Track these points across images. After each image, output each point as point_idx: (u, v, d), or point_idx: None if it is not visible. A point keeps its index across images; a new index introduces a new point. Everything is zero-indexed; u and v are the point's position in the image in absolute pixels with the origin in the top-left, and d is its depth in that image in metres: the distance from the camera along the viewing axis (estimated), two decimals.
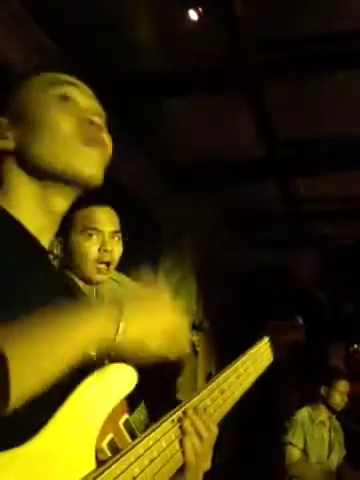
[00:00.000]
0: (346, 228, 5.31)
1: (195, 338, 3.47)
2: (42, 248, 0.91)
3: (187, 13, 2.54)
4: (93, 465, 0.75)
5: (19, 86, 0.95)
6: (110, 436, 0.80)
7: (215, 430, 0.98)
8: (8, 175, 0.92)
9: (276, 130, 3.59)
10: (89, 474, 0.73)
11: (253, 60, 2.94)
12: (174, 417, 0.91)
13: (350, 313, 5.74)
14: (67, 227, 1.62)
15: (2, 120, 0.92)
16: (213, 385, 1.05)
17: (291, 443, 3.57)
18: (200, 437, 0.93)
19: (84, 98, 0.96)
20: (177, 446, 0.89)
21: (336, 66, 2.97)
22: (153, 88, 3.19)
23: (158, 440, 0.84)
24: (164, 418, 0.89)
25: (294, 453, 3.57)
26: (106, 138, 0.94)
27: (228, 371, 1.11)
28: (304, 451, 3.59)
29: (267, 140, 3.71)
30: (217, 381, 1.06)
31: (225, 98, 3.30)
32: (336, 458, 3.69)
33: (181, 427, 0.91)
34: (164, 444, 0.85)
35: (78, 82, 0.97)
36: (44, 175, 0.91)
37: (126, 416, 0.85)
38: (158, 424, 0.87)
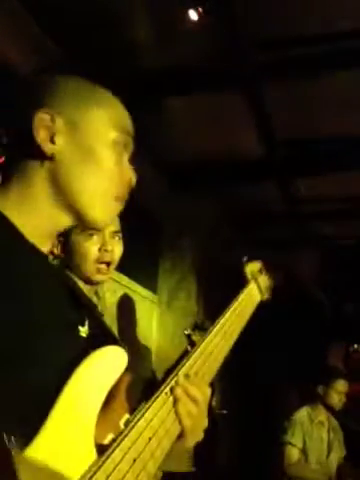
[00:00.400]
0: (346, 228, 5.31)
1: (196, 338, 3.46)
2: (41, 254, 0.90)
3: (187, 13, 2.54)
4: (94, 455, 0.75)
5: (86, 96, 0.92)
6: (111, 436, 0.80)
7: (208, 391, 0.99)
8: (31, 180, 0.89)
9: (276, 130, 3.59)
10: (92, 465, 0.73)
11: (253, 60, 2.94)
12: (167, 390, 0.92)
13: (350, 313, 5.74)
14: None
15: (58, 120, 0.88)
16: (201, 348, 1.06)
17: (290, 443, 3.57)
18: (194, 401, 0.94)
19: (128, 154, 0.97)
20: (173, 416, 0.91)
21: (336, 66, 2.97)
22: (153, 88, 3.19)
23: (155, 415, 0.85)
24: (158, 392, 0.90)
25: (293, 453, 3.57)
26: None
27: (214, 330, 1.13)
28: (303, 451, 3.59)
29: (267, 140, 3.71)
30: (204, 343, 1.07)
31: (225, 98, 3.30)
32: (335, 458, 3.69)
33: (174, 396, 0.92)
34: (159, 419, 0.86)
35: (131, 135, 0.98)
36: (67, 202, 0.89)
37: (127, 416, 0.85)
38: (153, 399, 0.88)
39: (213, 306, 4.98)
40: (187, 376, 0.97)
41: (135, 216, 1.80)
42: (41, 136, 0.87)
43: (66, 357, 0.79)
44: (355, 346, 5.86)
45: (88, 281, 1.68)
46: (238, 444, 5.01)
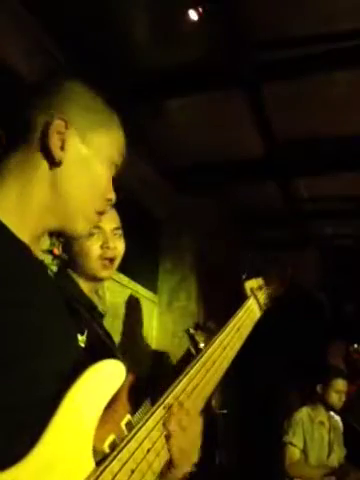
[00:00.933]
0: (346, 228, 5.31)
1: (199, 338, 3.45)
2: (37, 260, 0.91)
3: (187, 13, 2.54)
4: (92, 465, 0.75)
5: (98, 112, 0.97)
6: (112, 437, 0.80)
7: (199, 421, 0.98)
8: (32, 181, 0.90)
9: (276, 130, 3.59)
10: (90, 476, 0.73)
11: (253, 60, 2.94)
12: (157, 414, 0.90)
13: (350, 313, 5.73)
14: None
15: (71, 128, 0.91)
16: (200, 362, 1.06)
17: (291, 443, 3.57)
18: (183, 430, 0.92)
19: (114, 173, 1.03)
20: (162, 443, 0.89)
21: (336, 66, 2.97)
22: (153, 88, 3.19)
23: (144, 439, 0.84)
24: (147, 416, 0.88)
25: (294, 453, 3.57)
26: None
27: (214, 345, 1.13)
28: (304, 451, 3.58)
29: (267, 140, 3.71)
30: (204, 357, 1.07)
31: (225, 98, 3.30)
32: (336, 458, 3.69)
33: (167, 428, 0.90)
34: (148, 446, 0.85)
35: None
36: (59, 207, 0.92)
37: (128, 417, 0.85)
38: (143, 423, 0.86)
39: (213, 306, 4.99)
40: (181, 403, 0.94)
41: (135, 216, 1.80)
42: (54, 142, 0.89)
43: (66, 367, 0.80)
44: (355, 346, 5.85)
45: (94, 278, 1.68)
46: (238, 444, 5.01)
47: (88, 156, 0.94)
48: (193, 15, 2.54)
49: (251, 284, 1.46)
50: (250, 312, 1.35)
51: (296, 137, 3.74)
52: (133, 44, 2.84)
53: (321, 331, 5.41)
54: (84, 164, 0.93)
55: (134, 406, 0.86)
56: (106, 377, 0.81)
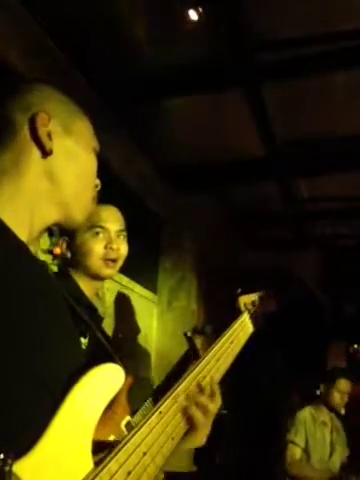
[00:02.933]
0: (346, 228, 5.31)
1: (198, 342, 3.44)
2: (39, 261, 0.92)
3: (187, 13, 2.54)
4: (91, 466, 0.76)
5: (74, 107, 1.01)
6: (112, 438, 0.80)
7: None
8: (25, 174, 0.92)
9: (276, 130, 3.59)
10: (88, 475, 0.74)
11: (253, 60, 2.94)
12: (152, 420, 0.91)
13: (350, 313, 5.74)
14: None
15: (53, 122, 0.95)
16: (193, 374, 1.07)
17: (293, 442, 3.57)
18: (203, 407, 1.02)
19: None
20: (171, 430, 0.93)
21: (336, 66, 2.96)
22: (153, 88, 3.19)
23: (150, 432, 0.87)
24: (142, 422, 0.89)
25: (295, 452, 3.56)
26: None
27: (207, 357, 1.15)
28: (305, 451, 3.58)
29: (267, 140, 3.70)
30: (198, 368, 1.09)
31: (225, 98, 3.30)
32: (338, 458, 3.69)
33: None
34: (144, 450, 0.87)
35: None
36: (58, 197, 0.95)
37: (128, 418, 0.85)
38: (138, 428, 0.88)
39: (213, 306, 4.99)
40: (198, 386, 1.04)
41: (135, 216, 1.81)
42: (42, 133, 0.92)
43: (69, 369, 0.81)
44: (355, 346, 5.85)
45: (96, 277, 1.70)
46: (238, 444, 5.01)
47: (73, 145, 0.98)
48: (193, 15, 2.54)
49: (245, 299, 1.48)
50: (244, 326, 1.37)
51: (296, 137, 3.74)
52: (133, 44, 2.84)
53: (321, 331, 5.41)
54: (72, 152, 0.97)
55: (133, 407, 0.86)
56: (105, 381, 0.82)
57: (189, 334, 2.55)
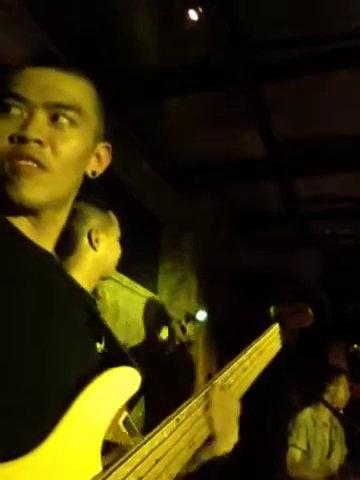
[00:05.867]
0: (346, 228, 5.31)
1: (189, 329, 3.44)
2: (45, 252, 0.87)
3: (187, 13, 2.54)
4: (99, 469, 0.76)
5: None
6: (109, 435, 0.80)
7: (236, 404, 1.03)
8: None
9: (276, 130, 3.59)
10: (96, 477, 0.74)
11: (253, 60, 2.94)
12: (169, 425, 0.88)
13: (350, 313, 5.74)
14: None
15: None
16: (220, 380, 1.05)
17: (295, 445, 3.57)
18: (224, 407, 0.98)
19: (34, 97, 0.81)
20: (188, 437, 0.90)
21: (336, 66, 2.97)
22: (153, 88, 3.19)
23: (154, 449, 0.83)
24: (158, 428, 0.86)
25: (296, 455, 3.56)
26: (42, 158, 0.79)
27: (239, 360, 1.13)
28: (306, 453, 3.58)
29: (267, 140, 3.71)
30: (223, 376, 1.06)
31: (225, 98, 3.30)
32: (337, 457, 3.68)
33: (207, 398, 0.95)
34: (157, 456, 0.84)
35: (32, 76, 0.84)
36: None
37: (125, 414, 0.85)
38: (154, 433, 0.84)
39: (213, 306, 4.99)
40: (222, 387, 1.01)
41: (136, 216, 1.81)
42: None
43: (79, 370, 0.79)
44: (355, 346, 5.85)
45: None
46: (239, 444, 5.00)
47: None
48: (193, 15, 2.55)
49: (279, 310, 1.44)
50: (274, 338, 1.34)
51: (296, 137, 3.74)
52: (133, 44, 2.85)
53: (321, 331, 5.41)
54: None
55: (130, 403, 0.86)
56: (120, 384, 0.81)
57: (182, 322, 2.54)
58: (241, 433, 1.06)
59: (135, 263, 3.34)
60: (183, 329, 2.40)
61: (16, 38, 2.53)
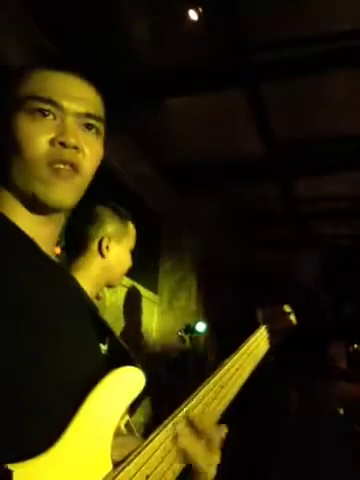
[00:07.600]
0: (346, 228, 5.31)
1: (186, 338, 3.44)
2: (45, 254, 0.88)
3: (187, 13, 2.54)
4: (110, 468, 0.76)
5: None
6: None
7: (217, 429, 0.95)
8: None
9: (276, 130, 3.59)
10: (106, 477, 0.74)
11: (253, 60, 2.94)
12: (169, 428, 0.86)
13: (350, 313, 5.74)
14: None
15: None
16: (214, 380, 1.05)
17: None
18: (201, 435, 0.89)
19: (70, 104, 0.88)
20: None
21: (336, 66, 2.97)
22: (153, 88, 3.19)
23: (157, 448, 0.83)
24: (160, 428, 0.85)
25: None
26: (78, 163, 0.86)
27: (228, 364, 1.12)
28: None
29: (267, 140, 3.71)
30: (218, 376, 1.07)
31: (225, 98, 3.30)
32: None
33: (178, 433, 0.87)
34: (162, 455, 0.83)
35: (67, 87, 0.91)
36: (22, 196, 0.86)
37: (127, 418, 0.85)
38: (156, 433, 0.84)
39: (213, 306, 4.99)
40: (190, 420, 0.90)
41: (135, 216, 1.81)
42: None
43: (87, 371, 0.80)
44: (355, 346, 5.86)
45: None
46: (238, 444, 5.01)
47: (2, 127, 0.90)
48: (193, 15, 2.55)
49: (265, 312, 1.44)
50: (261, 340, 1.34)
51: (296, 137, 3.74)
52: (133, 44, 2.85)
53: (321, 331, 5.41)
54: (4, 138, 0.88)
55: (132, 407, 0.86)
56: (125, 383, 0.82)
57: (181, 333, 2.56)
58: (241, 431, 1.04)
59: (135, 263, 3.33)
60: (182, 340, 2.40)
61: (16, 38, 2.53)
